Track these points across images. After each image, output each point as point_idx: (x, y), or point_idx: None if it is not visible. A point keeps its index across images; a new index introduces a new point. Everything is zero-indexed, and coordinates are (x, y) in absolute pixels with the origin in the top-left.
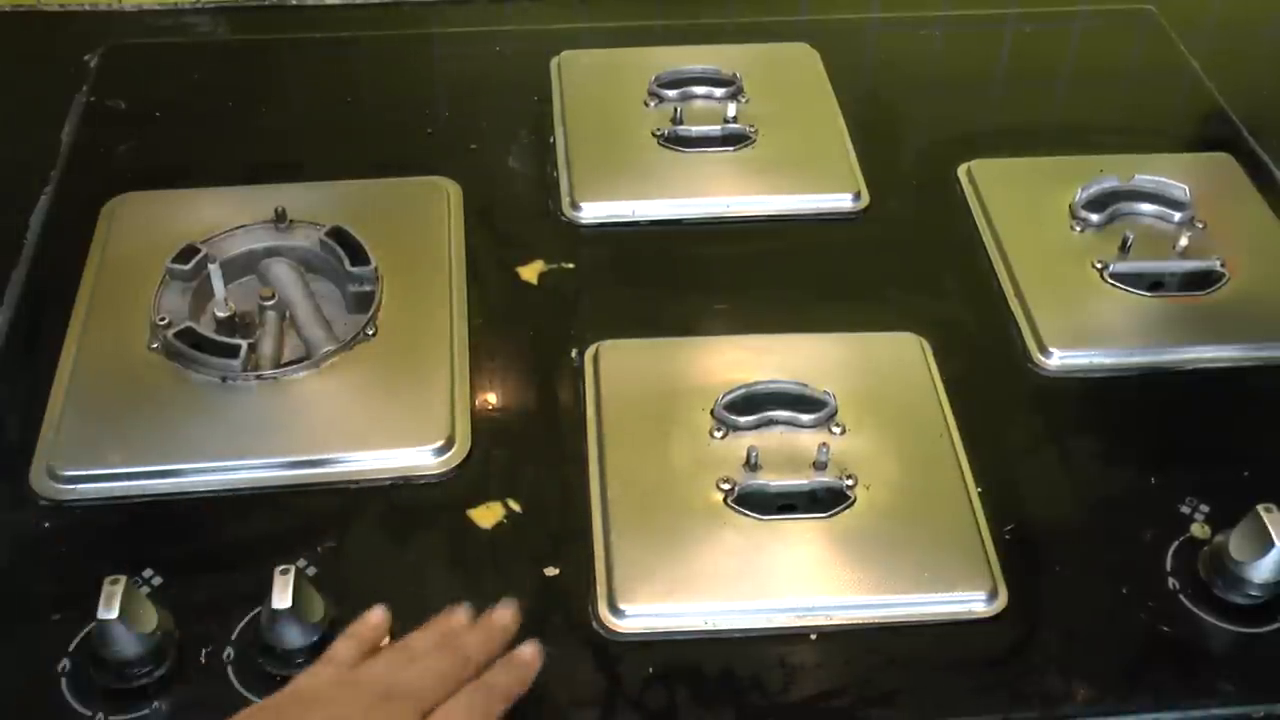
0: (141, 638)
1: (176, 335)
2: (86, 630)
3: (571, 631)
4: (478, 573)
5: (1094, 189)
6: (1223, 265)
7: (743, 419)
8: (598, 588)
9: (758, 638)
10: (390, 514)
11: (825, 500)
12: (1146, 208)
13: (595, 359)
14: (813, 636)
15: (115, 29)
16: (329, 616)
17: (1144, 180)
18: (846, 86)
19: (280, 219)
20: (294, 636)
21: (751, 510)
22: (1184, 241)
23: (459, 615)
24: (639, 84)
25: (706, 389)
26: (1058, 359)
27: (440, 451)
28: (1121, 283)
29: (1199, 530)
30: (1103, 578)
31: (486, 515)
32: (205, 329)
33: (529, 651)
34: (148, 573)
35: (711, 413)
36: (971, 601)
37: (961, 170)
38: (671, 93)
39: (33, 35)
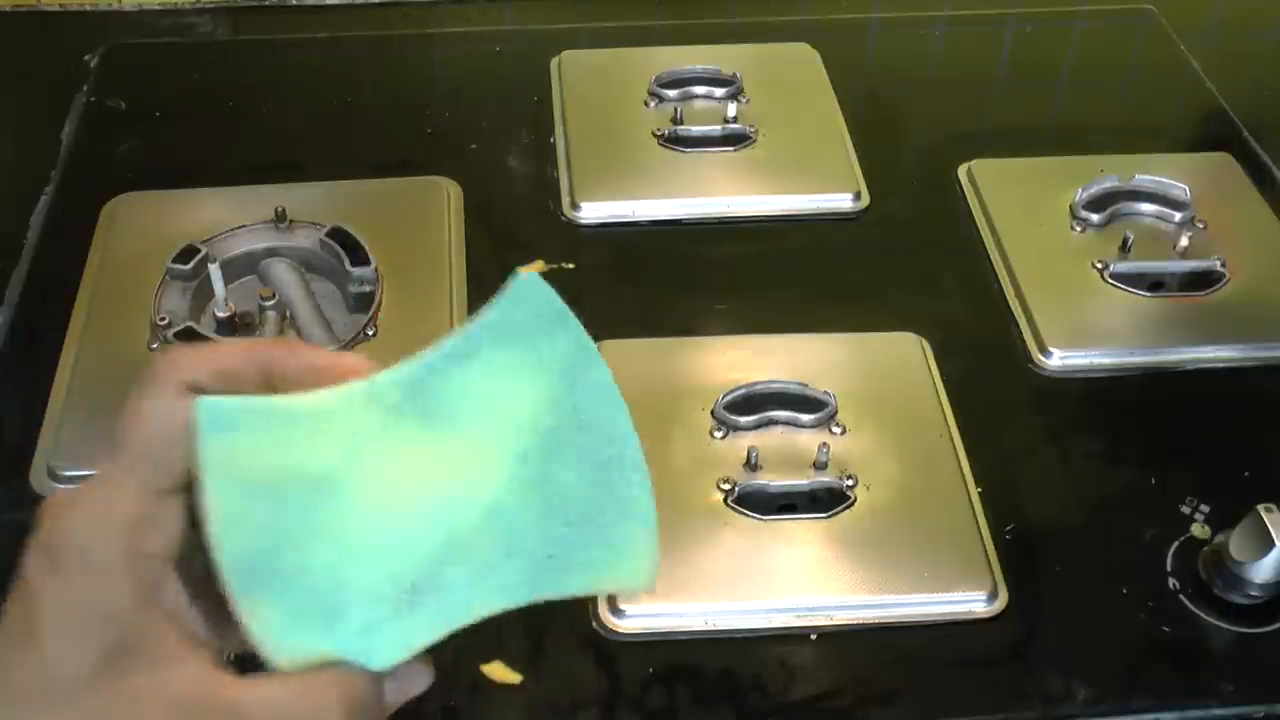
0: None
1: (176, 335)
2: None
3: (571, 631)
4: None
5: (1094, 189)
6: (1223, 265)
7: (743, 419)
8: None
9: (758, 638)
10: None
11: (825, 500)
12: (1146, 208)
13: None
14: (813, 636)
15: (115, 29)
16: None
17: (1144, 180)
18: (846, 86)
19: (280, 219)
20: None
21: (751, 510)
22: (1184, 241)
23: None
24: (639, 84)
25: (706, 389)
26: (1058, 359)
27: None
28: (1122, 283)
29: (1199, 530)
30: (1103, 578)
31: None
32: (205, 329)
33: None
34: None
35: (711, 413)
36: (971, 601)
37: (961, 170)
38: (671, 93)
39: (33, 35)
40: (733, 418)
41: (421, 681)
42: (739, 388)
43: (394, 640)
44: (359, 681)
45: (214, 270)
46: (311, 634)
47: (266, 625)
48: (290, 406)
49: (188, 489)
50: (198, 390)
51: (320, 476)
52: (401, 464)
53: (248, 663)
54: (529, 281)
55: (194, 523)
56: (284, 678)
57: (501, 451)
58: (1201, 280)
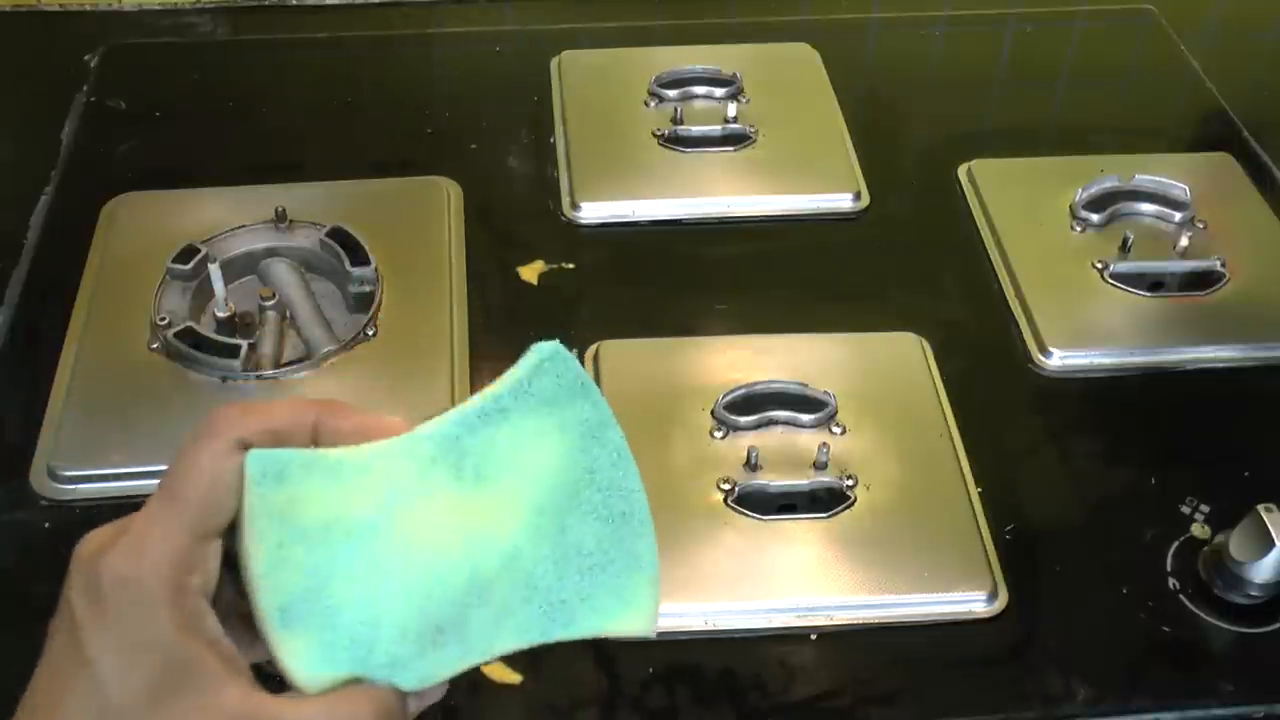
0: None
1: (177, 335)
2: None
3: None
4: None
5: (1094, 189)
6: (1223, 265)
7: (743, 419)
8: None
9: (758, 638)
10: None
11: (825, 500)
12: (1146, 208)
13: (595, 359)
14: (813, 636)
15: (115, 29)
16: None
17: (1144, 180)
18: (846, 86)
19: (280, 219)
20: None
21: (751, 510)
22: (1184, 241)
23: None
24: (639, 84)
25: (706, 389)
26: (1058, 359)
27: None
28: (1122, 283)
29: (1199, 530)
30: (1103, 578)
31: None
32: (205, 329)
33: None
34: None
35: (711, 413)
36: (971, 601)
37: (961, 170)
38: (671, 93)
39: (33, 35)
40: (733, 418)
41: (438, 692)
42: (739, 388)
43: (416, 674)
44: (388, 696)
45: (214, 270)
46: (340, 667)
47: (300, 660)
48: (334, 459)
49: (225, 532)
50: (247, 446)
51: (359, 524)
52: (432, 514)
53: (267, 675)
54: (555, 352)
55: (226, 560)
56: (324, 698)
57: (523, 505)
58: (1201, 280)
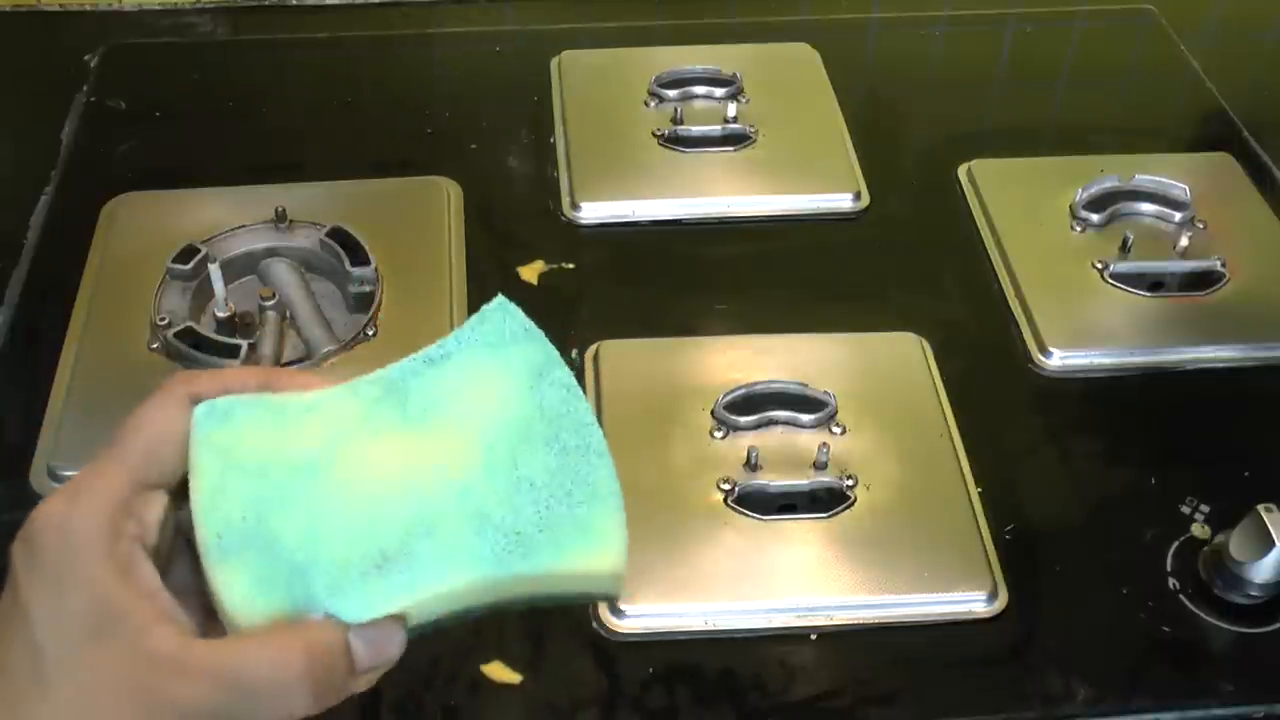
0: None
1: (176, 335)
2: None
3: (571, 632)
4: None
5: (1094, 189)
6: (1223, 265)
7: (743, 419)
8: None
9: (758, 638)
10: None
11: (825, 500)
12: (1146, 208)
13: (595, 359)
14: (813, 636)
15: (115, 29)
16: None
17: (1144, 180)
18: (846, 86)
19: (280, 219)
20: None
21: (751, 510)
22: (1184, 241)
23: None
24: (639, 84)
25: (706, 389)
26: (1058, 359)
27: None
28: (1122, 283)
29: (1199, 530)
30: (1103, 578)
31: None
32: (205, 329)
33: None
34: None
35: (711, 413)
36: (971, 601)
37: (961, 170)
38: (671, 93)
39: (33, 35)
40: (733, 418)
41: (394, 641)
42: (739, 388)
43: (360, 603)
44: (322, 633)
45: (214, 270)
46: (276, 597)
47: (233, 589)
48: (278, 402)
49: (174, 492)
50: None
51: (301, 460)
52: (377, 451)
53: None
54: (499, 304)
55: (178, 529)
56: (251, 636)
57: (473, 440)
58: (1201, 280)
